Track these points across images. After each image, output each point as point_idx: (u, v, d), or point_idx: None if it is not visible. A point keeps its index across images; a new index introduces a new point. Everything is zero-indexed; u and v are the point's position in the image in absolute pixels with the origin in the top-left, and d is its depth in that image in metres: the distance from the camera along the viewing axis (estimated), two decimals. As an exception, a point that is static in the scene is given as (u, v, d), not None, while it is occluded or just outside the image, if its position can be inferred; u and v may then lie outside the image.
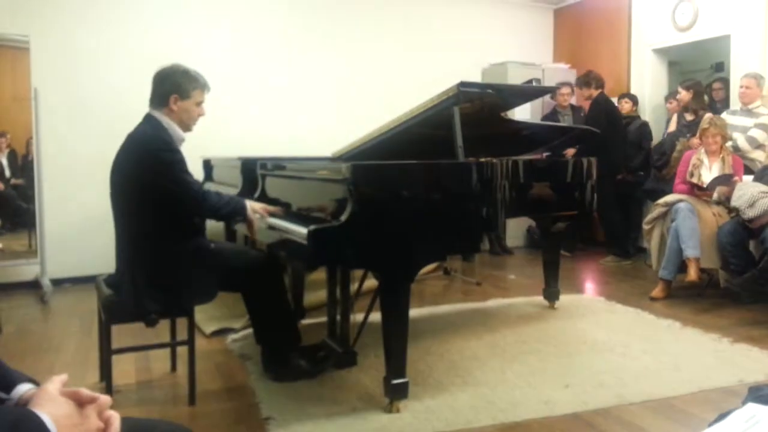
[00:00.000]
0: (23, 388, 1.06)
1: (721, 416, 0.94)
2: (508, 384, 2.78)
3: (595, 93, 5.70)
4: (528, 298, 4.38)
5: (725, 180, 4.28)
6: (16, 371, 1.11)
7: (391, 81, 6.08)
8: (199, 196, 2.53)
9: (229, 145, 5.19)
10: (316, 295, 3.96)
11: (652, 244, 4.54)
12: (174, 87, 2.59)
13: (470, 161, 2.70)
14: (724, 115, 4.81)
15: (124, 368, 2.95)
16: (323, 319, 3.36)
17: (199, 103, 2.65)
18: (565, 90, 6.20)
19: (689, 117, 5.20)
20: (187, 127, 2.66)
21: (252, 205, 2.67)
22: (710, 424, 0.91)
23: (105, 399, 1.05)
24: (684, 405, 2.57)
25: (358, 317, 3.06)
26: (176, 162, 2.51)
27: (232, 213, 2.68)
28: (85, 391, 1.01)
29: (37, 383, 1.10)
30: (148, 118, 2.62)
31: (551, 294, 4.11)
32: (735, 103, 5.10)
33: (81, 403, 1.01)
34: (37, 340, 3.59)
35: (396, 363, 2.49)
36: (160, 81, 2.62)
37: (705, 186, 4.35)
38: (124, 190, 2.56)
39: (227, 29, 5.63)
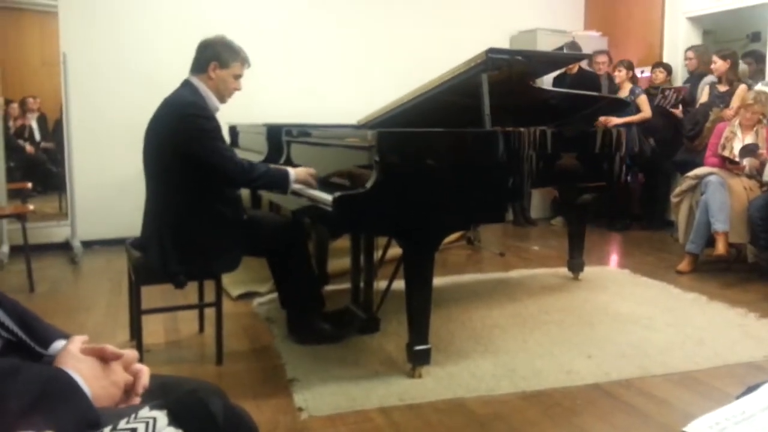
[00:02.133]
0: (60, 345, 1.08)
1: (750, 389, 0.94)
2: (530, 353, 2.80)
3: None
4: (552, 269, 4.36)
5: (753, 150, 4.19)
6: (53, 327, 1.14)
7: (418, 49, 6.00)
8: (230, 165, 2.53)
9: (255, 112, 5.20)
10: (340, 262, 3.99)
11: (680, 217, 4.47)
12: (215, 55, 2.61)
13: (497, 130, 2.68)
14: (759, 86, 4.67)
15: (154, 328, 3.02)
16: (347, 285, 3.39)
17: (237, 76, 2.67)
18: (602, 58, 6.04)
19: (722, 88, 5.06)
20: (222, 98, 2.68)
21: (298, 175, 2.66)
22: (738, 397, 0.91)
23: (131, 354, 1.07)
24: (707, 378, 2.56)
25: (381, 284, 3.08)
26: (212, 129, 2.53)
27: (268, 186, 2.69)
28: (110, 348, 1.04)
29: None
30: (186, 84, 2.64)
31: (575, 265, 4.09)
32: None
33: (106, 359, 1.03)
34: (69, 300, 3.70)
35: (419, 330, 2.52)
36: (202, 48, 2.65)
37: (737, 159, 4.26)
38: (158, 152, 2.59)
39: (253, -5, 5.60)
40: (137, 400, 1.05)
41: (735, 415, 0.81)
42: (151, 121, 2.63)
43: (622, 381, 2.52)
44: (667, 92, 5.54)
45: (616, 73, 5.81)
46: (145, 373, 1.07)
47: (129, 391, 1.05)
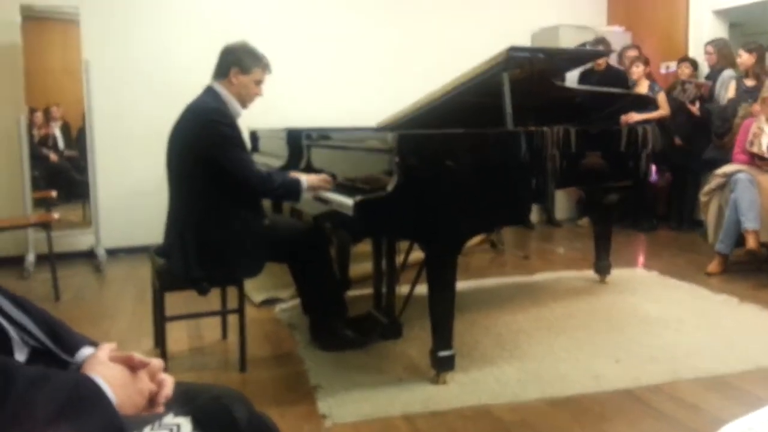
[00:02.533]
0: (86, 352, 1.08)
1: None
2: (556, 358, 2.74)
3: None
4: (577, 272, 4.29)
5: None
6: (80, 334, 1.14)
7: (438, 49, 5.95)
8: (250, 175, 2.53)
9: (275, 117, 5.21)
10: (361, 266, 3.97)
11: (709, 216, 4.36)
12: (236, 60, 2.62)
13: (519, 130, 2.63)
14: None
15: (177, 335, 3.03)
16: (369, 290, 3.37)
17: (258, 82, 2.68)
18: (632, 53, 5.93)
19: (750, 82, 4.94)
20: (243, 104, 2.69)
21: (311, 183, 2.65)
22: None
23: (157, 363, 1.07)
24: (740, 382, 2.49)
25: (403, 289, 3.05)
26: (233, 137, 2.54)
27: (282, 196, 2.69)
28: (137, 356, 1.03)
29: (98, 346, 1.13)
30: (208, 90, 2.66)
31: (602, 268, 4.01)
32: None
33: (132, 367, 1.03)
34: (94, 308, 3.73)
35: (442, 335, 2.48)
36: (224, 54, 2.67)
37: (766, 155, 4.15)
38: (180, 158, 2.60)
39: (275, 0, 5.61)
40: (161, 410, 1.04)
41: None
42: (174, 127, 2.65)
43: (652, 386, 2.46)
44: (687, 85, 5.40)
45: (633, 69, 5.71)
46: (169, 383, 1.07)
47: (153, 400, 1.04)
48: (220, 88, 2.64)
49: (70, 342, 1.10)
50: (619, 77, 5.70)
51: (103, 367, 0.99)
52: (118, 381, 0.98)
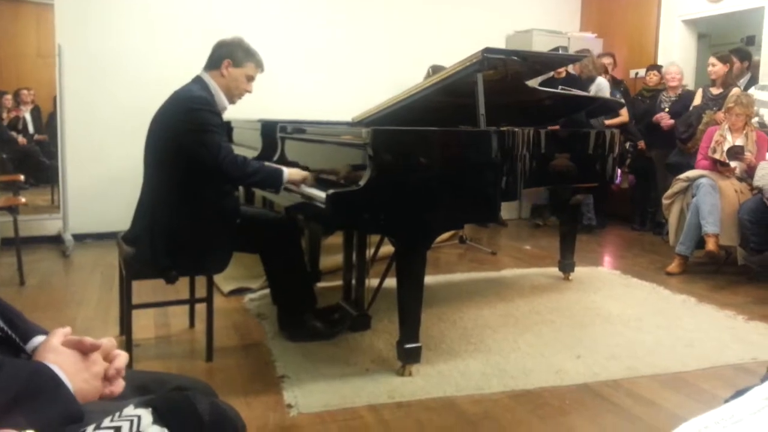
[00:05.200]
0: (37, 341, 1.07)
1: (739, 393, 0.94)
2: (520, 353, 2.81)
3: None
4: (543, 269, 4.38)
5: (738, 152, 4.23)
6: (33, 324, 1.13)
7: (413, 47, 6.00)
8: (224, 159, 2.50)
9: (249, 108, 5.18)
10: (332, 258, 3.99)
11: (671, 218, 4.49)
12: (229, 53, 2.63)
13: (491, 129, 2.68)
14: (752, 90, 4.71)
15: (144, 323, 3.02)
16: (338, 282, 3.40)
17: (249, 78, 2.68)
18: (606, 60, 6.04)
19: (716, 91, 5.08)
20: (231, 98, 2.68)
21: (291, 177, 2.64)
22: (727, 400, 0.91)
23: (109, 343, 1.06)
24: (695, 380, 2.58)
25: (372, 282, 3.09)
26: (215, 124, 2.52)
27: (261, 184, 2.70)
28: (89, 339, 1.03)
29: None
30: (197, 80, 2.65)
31: (566, 266, 4.11)
32: (765, 77, 4.96)
33: (85, 351, 1.02)
34: (59, 294, 3.68)
35: (410, 328, 2.53)
36: (218, 46, 2.67)
37: (726, 161, 4.29)
38: (159, 144, 2.57)
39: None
40: (120, 386, 1.03)
41: (724, 419, 0.81)
42: (157, 113, 2.62)
43: (611, 381, 2.54)
44: (663, 96, 5.54)
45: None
46: (120, 357, 1.06)
47: (110, 379, 1.04)
48: (209, 79, 2.63)
49: (24, 330, 1.09)
50: (579, 84, 5.82)
51: (55, 354, 0.98)
52: (71, 367, 0.97)
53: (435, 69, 5.59)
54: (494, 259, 4.79)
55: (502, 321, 3.24)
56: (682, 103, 5.42)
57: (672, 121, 5.32)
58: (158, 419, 0.95)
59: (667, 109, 5.45)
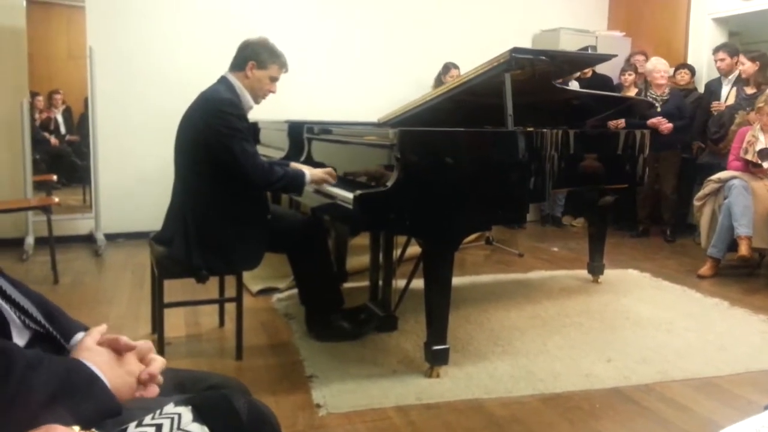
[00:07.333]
0: (79, 337, 1.09)
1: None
2: (549, 356, 2.79)
3: None
4: (571, 272, 4.33)
5: None
6: (74, 320, 1.16)
7: (440, 48, 5.98)
8: (251, 168, 2.52)
9: (277, 109, 5.23)
10: (358, 259, 4.00)
11: (703, 221, 4.41)
12: (254, 54, 2.65)
13: (519, 130, 2.66)
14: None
15: (175, 322, 3.06)
16: (365, 283, 3.40)
17: (273, 79, 2.70)
18: (639, 58, 5.95)
19: (749, 90, 4.98)
20: (256, 98, 2.71)
21: (314, 177, 2.67)
22: (767, 407, 0.89)
23: (145, 345, 1.07)
24: (729, 385, 2.53)
25: (399, 283, 3.09)
26: (242, 129, 2.54)
27: (285, 189, 2.72)
28: (124, 339, 1.04)
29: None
30: (223, 80, 2.68)
31: (596, 268, 4.06)
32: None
33: (119, 350, 1.03)
34: (92, 292, 3.75)
35: (437, 329, 2.52)
36: (243, 47, 2.69)
37: (758, 162, 4.20)
38: (189, 145, 2.61)
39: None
40: (155, 390, 1.05)
41: (765, 426, 0.79)
42: (185, 114, 2.66)
43: (642, 386, 2.50)
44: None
45: (622, 77, 5.76)
46: (157, 362, 1.07)
47: (143, 383, 1.05)
48: (235, 80, 2.66)
49: (66, 327, 1.11)
50: (605, 83, 5.75)
51: (89, 353, 1.00)
52: (105, 365, 0.99)
53: (446, 68, 5.59)
54: (521, 260, 4.75)
55: (530, 323, 3.22)
56: (673, 103, 5.32)
57: (671, 125, 5.22)
58: (198, 417, 0.97)
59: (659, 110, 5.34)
